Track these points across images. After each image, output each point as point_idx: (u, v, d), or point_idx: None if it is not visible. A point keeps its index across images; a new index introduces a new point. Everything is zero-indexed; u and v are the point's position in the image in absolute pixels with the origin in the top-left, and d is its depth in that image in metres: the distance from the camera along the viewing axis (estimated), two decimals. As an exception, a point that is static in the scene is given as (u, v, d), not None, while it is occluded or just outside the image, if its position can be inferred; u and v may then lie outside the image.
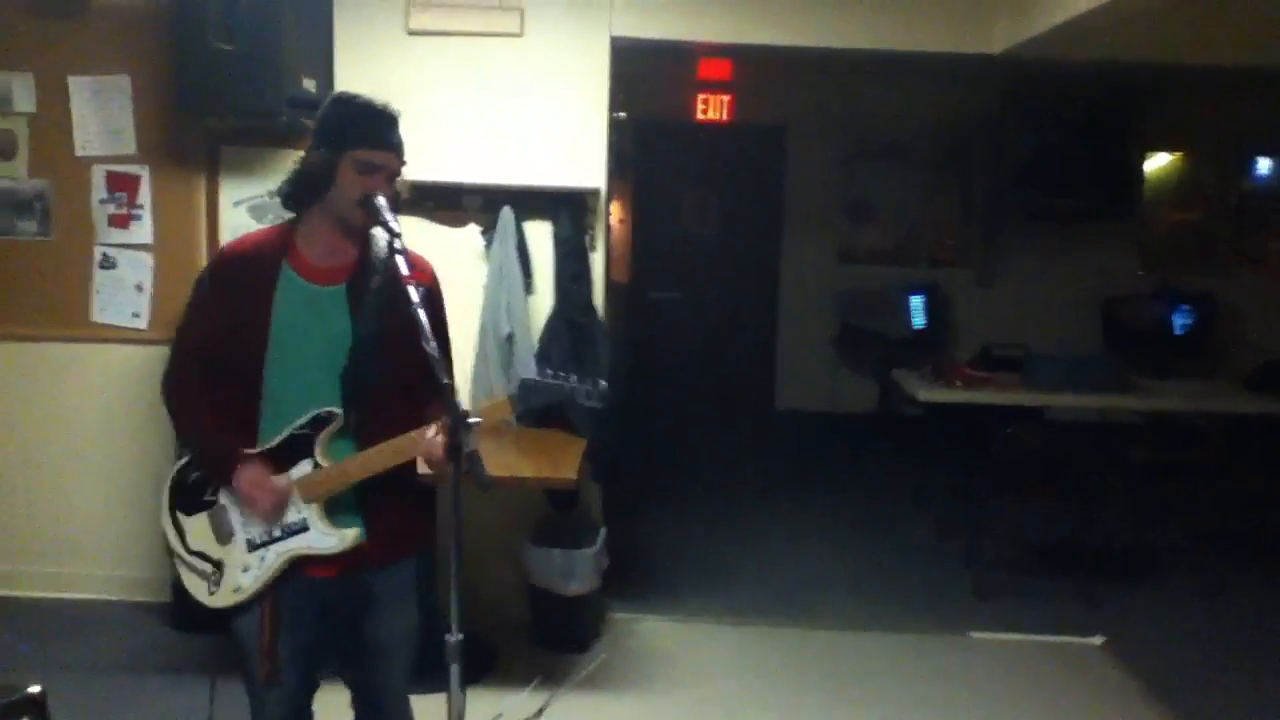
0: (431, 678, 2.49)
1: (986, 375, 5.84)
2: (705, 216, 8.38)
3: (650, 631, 4.61)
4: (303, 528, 2.36)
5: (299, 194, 2.42)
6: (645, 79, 6.05)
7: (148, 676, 4.00)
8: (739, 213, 8.34)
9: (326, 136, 2.38)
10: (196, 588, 2.45)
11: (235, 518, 2.41)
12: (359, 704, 2.66)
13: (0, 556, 4.56)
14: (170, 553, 2.48)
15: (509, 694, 3.88)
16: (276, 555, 2.37)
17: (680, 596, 5.00)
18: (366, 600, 2.47)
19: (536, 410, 4.07)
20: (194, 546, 2.44)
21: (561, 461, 3.96)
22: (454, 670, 2.11)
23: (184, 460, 2.49)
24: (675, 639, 4.56)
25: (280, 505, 2.37)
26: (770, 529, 6.06)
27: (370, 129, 2.36)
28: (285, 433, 2.36)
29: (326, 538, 2.35)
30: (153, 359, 4.56)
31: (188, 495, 2.46)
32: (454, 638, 2.11)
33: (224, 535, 2.41)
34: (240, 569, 2.38)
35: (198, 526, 2.44)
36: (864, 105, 7.96)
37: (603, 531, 4.52)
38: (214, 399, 2.42)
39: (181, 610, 4.40)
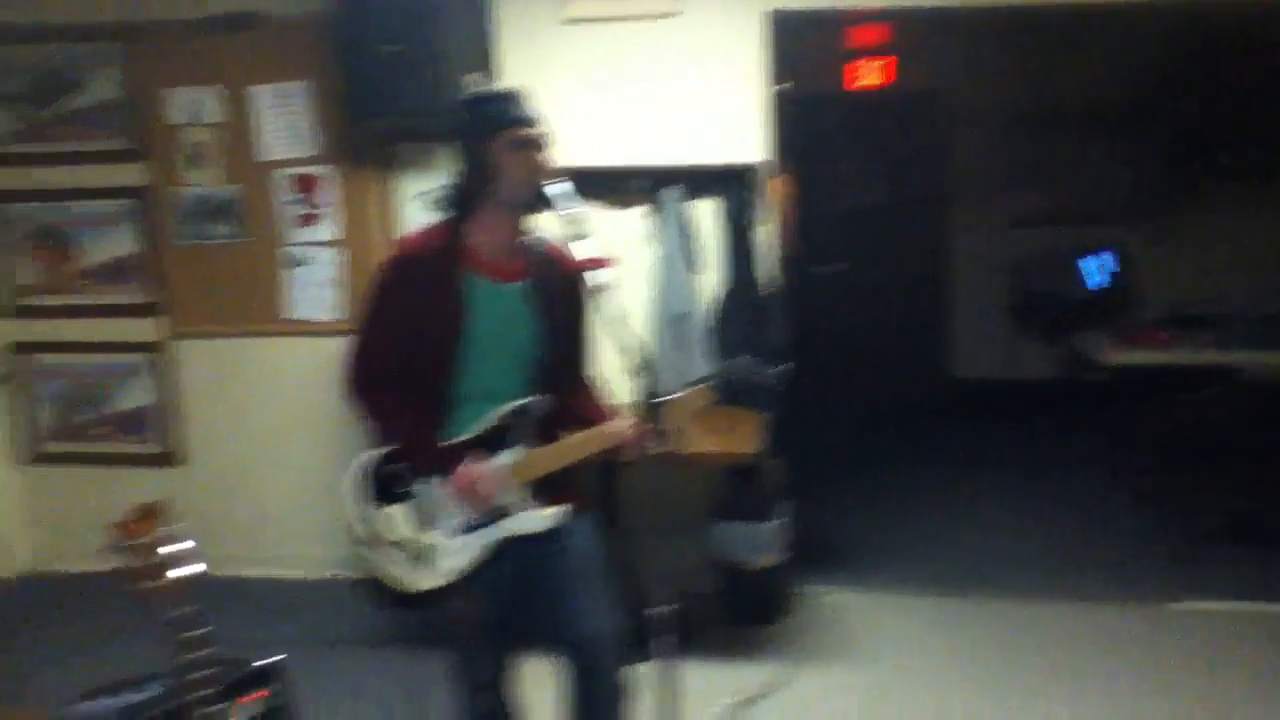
0: (632, 651, 2.55)
1: (1175, 335, 5.56)
2: (870, 187, 8.21)
3: (839, 604, 4.59)
4: (510, 511, 2.44)
5: (466, 192, 2.49)
6: (802, 50, 5.97)
7: (367, 648, 4.20)
8: (904, 181, 8.14)
9: (472, 134, 2.48)
10: (400, 573, 2.53)
11: (438, 505, 2.48)
12: (570, 673, 2.70)
13: (224, 539, 4.82)
14: (359, 543, 2.56)
15: (704, 666, 3.91)
16: (487, 537, 2.46)
17: (867, 569, 4.95)
18: (556, 559, 2.55)
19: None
20: (393, 536, 2.52)
21: (742, 436, 3.96)
22: (658, 641, 2.14)
23: (374, 454, 2.56)
24: (865, 611, 4.52)
25: (492, 495, 2.45)
26: (956, 500, 5.93)
27: (507, 109, 2.46)
28: (488, 423, 2.45)
29: (535, 519, 2.44)
30: (343, 349, 4.77)
31: (384, 487, 2.55)
32: (656, 610, 2.14)
33: (428, 521, 2.49)
34: (448, 552, 2.48)
35: (397, 517, 2.52)
36: (1031, 65, 7.65)
37: (786, 504, 4.51)
38: (402, 393, 2.51)
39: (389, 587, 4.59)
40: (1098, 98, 7.74)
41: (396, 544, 2.52)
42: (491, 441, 2.46)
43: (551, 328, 2.43)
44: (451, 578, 2.48)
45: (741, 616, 4.37)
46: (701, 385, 2.39)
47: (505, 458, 2.45)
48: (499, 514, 2.46)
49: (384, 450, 2.56)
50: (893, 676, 3.96)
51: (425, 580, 2.51)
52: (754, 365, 2.34)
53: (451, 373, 2.47)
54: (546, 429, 2.46)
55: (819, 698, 3.82)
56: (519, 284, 2.48)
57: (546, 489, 2.49)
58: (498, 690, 2.71)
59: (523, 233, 2.47)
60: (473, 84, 4.25)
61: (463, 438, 2.47)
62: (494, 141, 2.42)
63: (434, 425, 2.50)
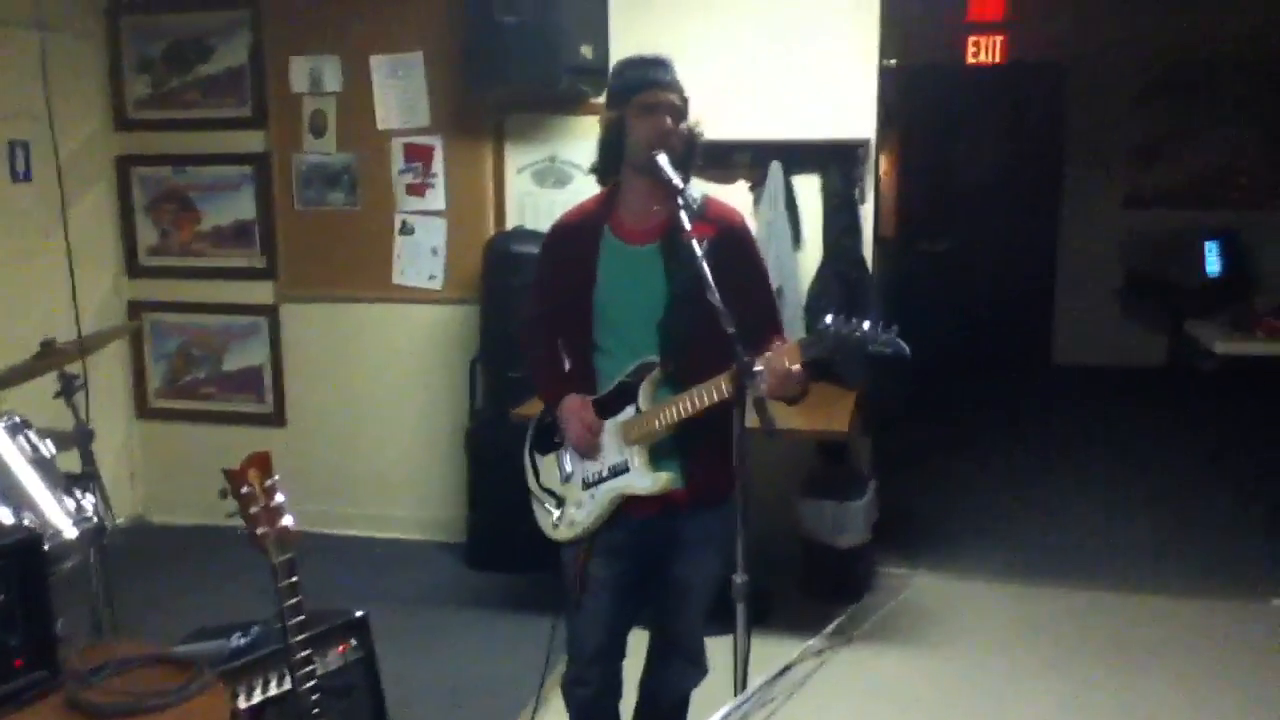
0: (717, 621, 2.61)
1: (1296, 325, 5.37)
2: (978, 163, 8.07)
3: (923, 587, 4.57)
4: (625, 469, 2.52)
5: (605, 161, 2.59)
6: (913, 23, 5.88)
7: (451, 609, 4.35)
8: (1014, 158, 7.99)
9: (612, 99, 2.57)
10: (544, 521, 2.68)
11: (574, 460, 2.61)
12: (657, 641, 2.82)
13: (321, 498, 5.03)
14: (525, 491, 2.73)
15: (785, 640, 3.95)
16: (605, 493, 2.54)
17: (954, 554, 4.91)
18: (678, 541, 2.61)
19: (817, 361, 4.08)
20: (544, 484, 2.68)
21: (833, 414, 3.97)
22: (740, 609, 2.18)
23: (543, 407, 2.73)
24: (949, 596, 4.50)
25: (590, 437, 2.53)
26: (1049, 487, 5.83)
27: (639, 74, 2.51)
28: (614, 382, 2.54)
29: (643, 478, 2.50)
30: (447, 317, 4.92)
31: (543, 437, 2.70)
32: (740, 578, 2.18)
33: (566, 475, 2.62)
34: (575, 505, 2.59)
35: (548, 465, 2.68)
36: (1155, 34, 7.40)
37: (872, 484, 4.51)
38: (558, 357, 2.68)
39: (478, 550, 4.75)
40: (1228, 71, 7.43)
41: (548, 491, 2.67)
42: (618, 401, 2.54)
43: (685, 288, 2.43)
44: (576, 532, 2.59)
45: (822, 593, 4.39)
46: (789, 344, 2.35)
47: (622, 416, 2.52)
48: (616, 472, 2.53)
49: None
50: (975, 664, 3.94)
51: (561, 531, 2.63)
52: (860, 331, 2.20)
53: (590, 334, 2.59)
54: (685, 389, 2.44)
55: (895, 680, 3.83)
56: (652, 245, 2.54)
57: (688, 458, 2.54)
58: (611, 661, 2.78)
59: (664, 196, 2.48)
60: (585, 55, 4.31)
61: (596, 396, 2.57)
62: (626, 108, 2.49)
63: (578, 384, 2.61)
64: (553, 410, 2.64)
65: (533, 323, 2.75)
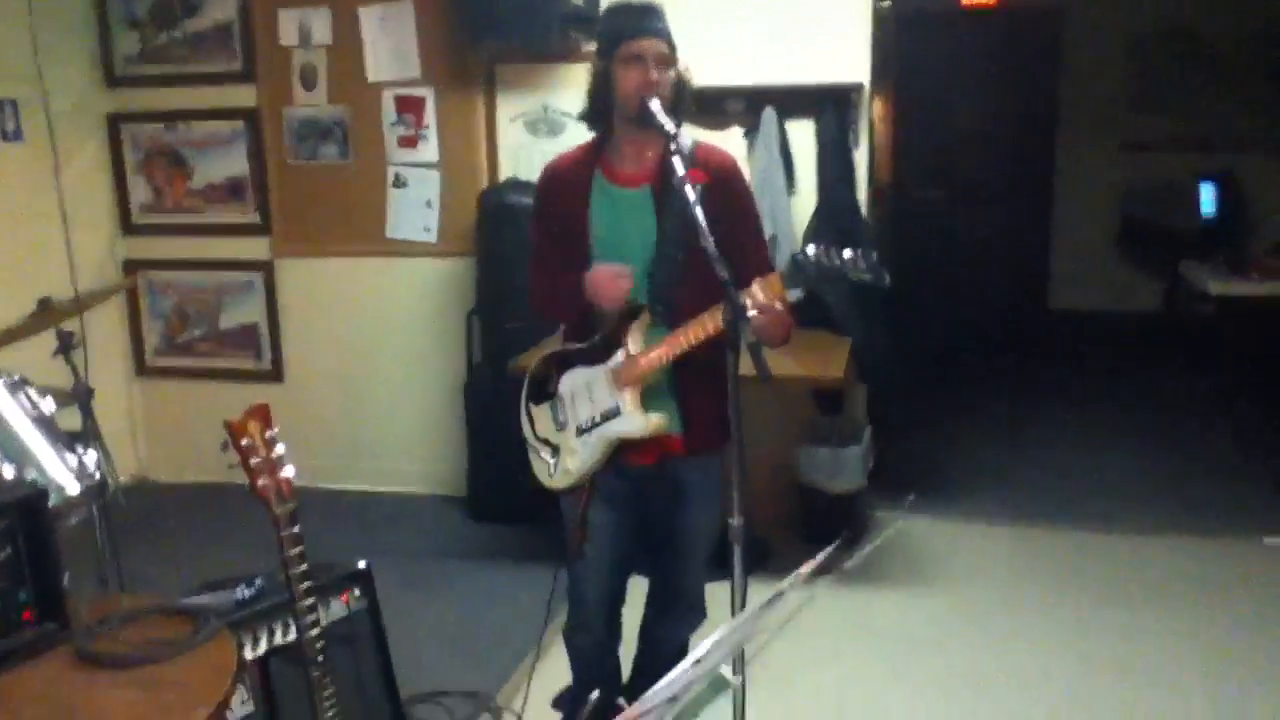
0: (715, 567, 2.64)
1: (1291, 265, 5.38)
2: (974, 109, 8.03)
3: (921, 531, 4.62)
4: (616, 412, 2.52)
5: (593, 109, 2.58)
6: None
7: (452, 560, 4.39)
8: (1010, 104, 7.94)
9: (600, 47, 2.55)
10: (541, 471, 2.68)
11: (568, 407, 2.60)
12: (657, 589, 2.86)
13: (320, 453, 5.06)
14: (521, 444, 2.73)
15: (776, 586, 4.00)
16: (598, 439, 2.55)
17: (952, 498, 4.96)
18: (677, 489, 2.64)
19: (813, 299, 4.06)
20: (540, 434, 2.68)
21: (829, 361, 4.00)
22: (736, 551, 2.21)
23: (544, 356, 2.71)
24: (947, 539, 4.55)
25: (622, 281, 2.48)
26: (1046, 432, 5.87)
27: (626, 22, 2.49)
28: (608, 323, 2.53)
29: (634, 421, 2.51)
30: (442, 271, 4.91)
31: (539, 387, 2.70)
32: (736, 521, 2.21)
33: (560, 424, 2.62)
34: (570, 453, 2.59)
35: (543, 415, 2.67)
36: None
37: (868, 430, 4.54)
38: (557, 295, 2.66)
39: (478, 502, 4.78)
40: (1227, 16, 7.38)
41: (544, 441, 2.67)
42: (607, 346, 2.54)
43: (674, 232, 2.45)
44: (572, 479, 2.60)
45: (820, 538, 4.41)
46: (771, 276, 2.32)
47: (613, 360, 2.52)
48: (607, 416, 2.54)
49: (547, 354, 2.71)
50: (968, 602, 4.00)
51: (557, 479, 2.63)
52: (840, 259, 2.20)
53: (588, 269, 2.57)
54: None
55: (894, 621, 3.89)
56: (645, 187, 2.54)
57: (683, 403, 2.56)
58: (612, 608, 2.83)
59: (654, 141, 2.50)
60: (577, 2, 4.27)
61: (584, 344, 2.58)
62: (614, 57, 2.48)
63: (580, 330, 2.62)
64: (582, 302, 2.55)
65: (542, 265, 2.73)
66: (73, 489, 2.64)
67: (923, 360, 6.67)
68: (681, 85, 2.52)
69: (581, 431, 2.58)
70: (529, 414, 2.72)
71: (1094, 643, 3.69)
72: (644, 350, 2.48)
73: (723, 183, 2.55)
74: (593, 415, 2.56)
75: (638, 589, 2.92)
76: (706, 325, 2.33)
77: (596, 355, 2.56)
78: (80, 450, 2.74)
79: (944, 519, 4.73)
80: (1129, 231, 7.61)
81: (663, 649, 2.89)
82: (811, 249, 2.25)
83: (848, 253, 2.22)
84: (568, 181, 2.63)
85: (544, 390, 2.68)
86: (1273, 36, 7.31)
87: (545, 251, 2.71)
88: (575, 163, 2.66)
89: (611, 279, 2.49)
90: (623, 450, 2.56)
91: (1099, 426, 5.93)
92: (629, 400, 2.51)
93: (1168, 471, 5.23)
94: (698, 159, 2.48)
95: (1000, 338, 7.64)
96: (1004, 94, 7.99)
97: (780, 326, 2.40)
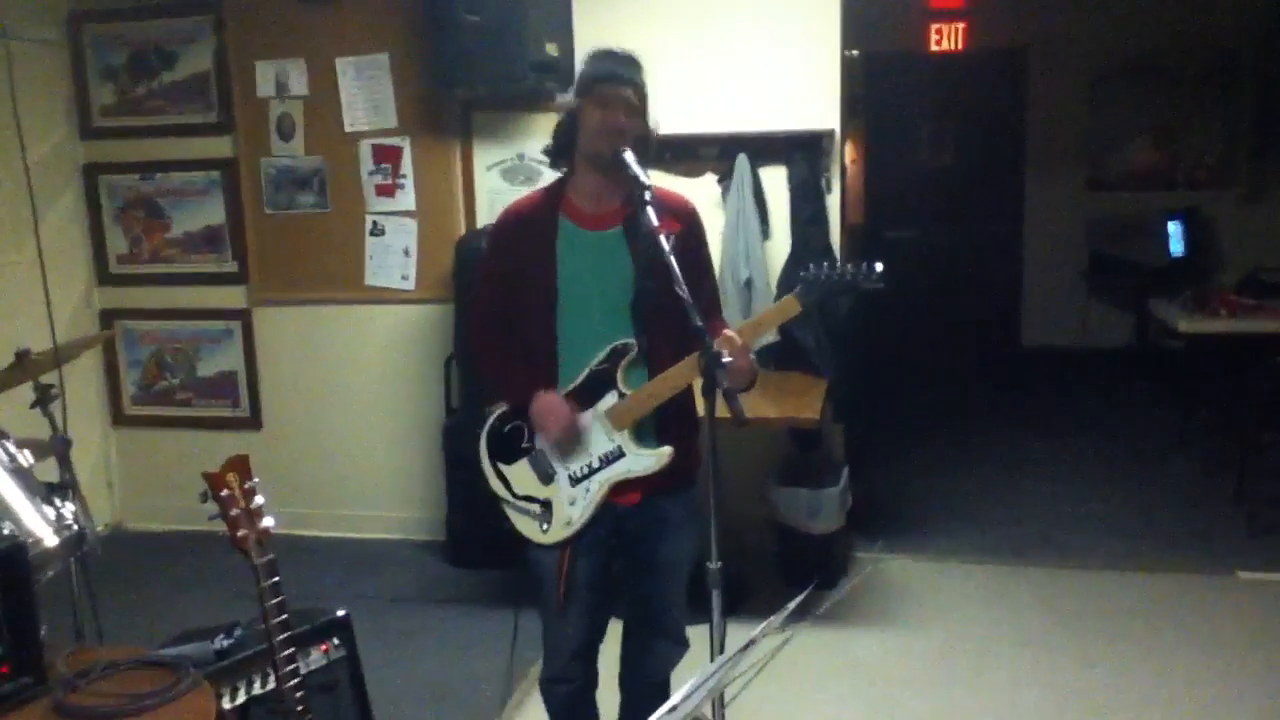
0: (694, 608, 2.65)
1: (1255, 303, 5.47)
2: (942, 150, 8.16)
3: (898, 570, 4.64)
4: (619, 454, 2.52)
5: (558, 147, 2.61)
6: (874, 12, 5.94)
7: (432, 606, 4.38)
8: (978, 144, 8.08)
9: (577, 87, 2.59)
10: (529, 529, 2.62)
11: (555, 458, 2.57)
12: (637, 626, 2.84)
13: (299, 500, 5.06)
14: (496, 499, 2.66)
15: (754, 628, 4.01)
16: (599, 484, 2.54)
17: (929, 537, 4.99)
18: (660, 525, 2.63)
19: (780, 349, 4.13)
20: (520, 492, 2.62)
21: (804, 402, 4.04)
22: (715, 596, 2.23)
23: (497, 412, 2.67)
24: (924, 578, 4.57)
25: (572, 432, 2.52)
26: (1021, 469, 5.92)
27: (598, 68, 2.54)
28: (586, 370, 2.53)
29: (642, 459, 2.51)
30: (420, 317, 4.94)
31: (504, 445, 2.65)
32: (714, 565, 2.23)
33: (546, 477, 2.59)
34: (568, 503, 2.57)
35: (520, 473, 2.62)
36: (1113, 21, 7.50)
37: (845, 471, 4.57)
38: (516, 352, 2.63)
39: (458, 547, 4.78)
40: (1184, 56, 7.54)
41: (526, 499, 2.62)
42: (594, 389, 2.54)
43: (652, 268, 2.45)
44: (574, 529, 2.57)
45: (799, 579, 4.44)
46: (787, 298, 2.40)
47: (603, 403, 2.53)
48: (609, 459, 2.54)
49: (503, 409, 2.66)
50: (947, 641, 4.01)
51: (554, 533, 2.59)
52: (847, 274, 2.32)
53: (553, 322, 2.57)
54: (662, 368, 2.48)
55: (872, 661, 3.90)
56: (614, 230, 2.56)
57: (665, 437, 2.55)
58: (591, 656, 2.80)
59: (619, 182, 2.52)
60: (550, 52, 4.34)
61: (570, 387, 2.56)
62: (585, 99, 2.52)
63: (542, 377, 2.59)
64: (522, 413, 2.58)
65: (487, 323, 2.69)
66: (50, 541, 2.63)
67: (896, 399, 6.73)
68: (648, 136, 2.56)
69: (577, 481, 2.56)
70: (499, 474, 2.66)
71: (1069, 677, 3.71)
72: (639, 391, 2.49)
73: (690, 230, 2.61)
74: (588, 461, 2.54)
75: (613, 626, 2.91)
76: (687, 374, 2.38)
77: (581, 398, 2.55)
78: (58, 502, 2.73)
79: (920, 558, 4.75)
80: (1097, 268, 7.72)
81: (647, 689, 2.85)
82: (813, 266, 2.34)
83: (850, 267, 2.32)
84: (530, 225, 2.60)
85: (512, 447, 2.63)
86: (1236, 73, 7.47)
87: (498, 301, 2.66)
88: (536, 206, 2.64)
89: (564, 425, 2.50)
90: (611, 492, 2.55)
91: (1071, 463, 5.98)
92: (630, 440, 2.51)
93: (1139, 507, 5.28)
94: (665, 208, 2.52)
95: (973, 375, 7.72)
96: (972, 134, 8.12)
97: (749, 374, 2.43)
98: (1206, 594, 4.33)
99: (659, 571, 2.71)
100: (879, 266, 2.30)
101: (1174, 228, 7.12)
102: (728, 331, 2.33)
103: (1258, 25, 7.25)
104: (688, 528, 2.65)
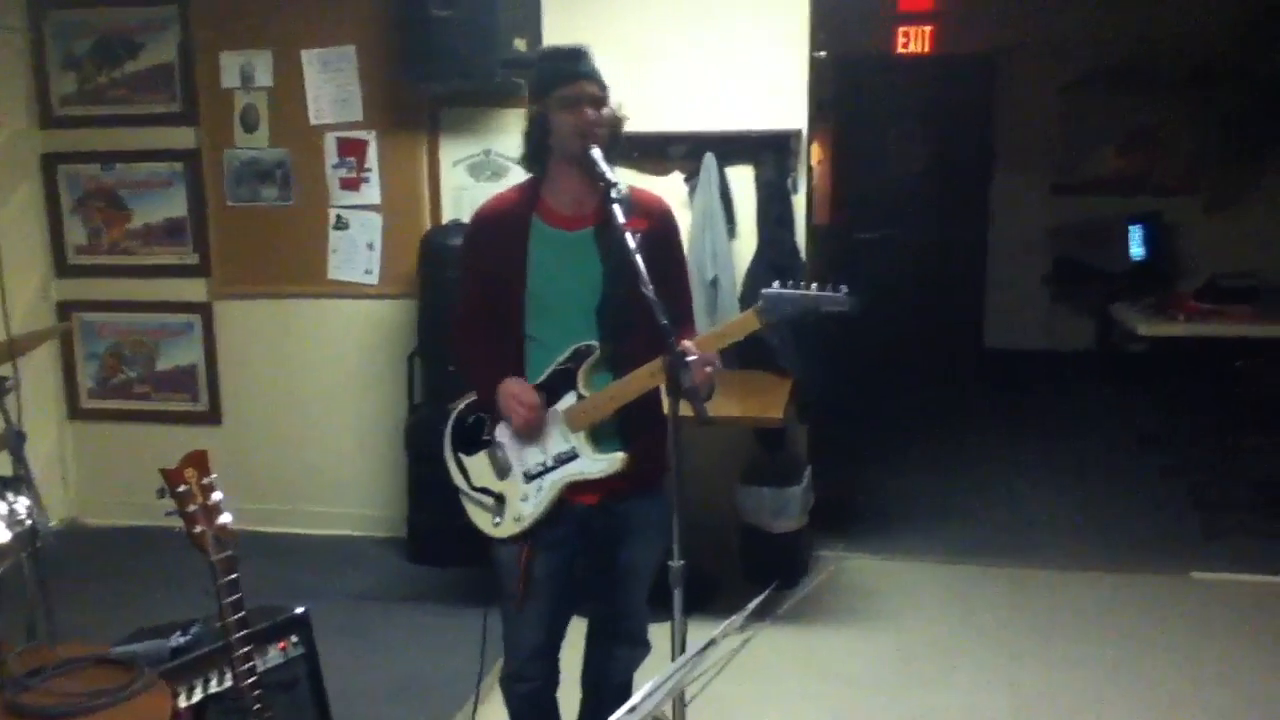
0: (656, 606, 2.65)
1: (1214, 308, 5.53)
2: (910, 153, 8.20)
3: (860, 569, 4.67)
4: (573, 455, 2.52)
5: (531, 153, 2.59)
6: (843, 14, 5.97)
7: (393, 604, 4.35)
8: (945, 148, 8.12)
9: (535, 92, 2.57)
10: (482, 520, 2.64)
11: (512, 453, 2.58)
12: (600, 628, 2.84)
13: (259, 496, 5.01)
14: (458, 490, 2.68)
15: (717, 627, 4.02)
16: (551, 484, 2.54)
17: (890, 536, 5.02)
18: (622, 528, 2.63)
19: (746, 348, 4.11)
20: (476, 484, 2.64)
21: (768, 402, 4.05)
22: (676, 594, 2.22)
23: (462, 404, 2.68)
24: (885, 577, 4.60)
25: (534, 418, 2.51)
26: (983, 470, 5.97)
27: (559, 67, 2.52)
28: (549, 369, 2.53)
29: (596, 462, 2.51)
30: (384, 312, 4.91)
31: (467, 436, 2.66)
32: (676, 564, 2.22)
33: (503, 471, 2.60)
34: (520, 499, 2.57)
35: (478, 465, 2.64)
36: (1079, 28, 7.57)
37: (808, 470, 4.59)
38: (493, 348, 2.62)
39: (418, 544, 4.75)
40: (1157, 60, 7.59)
41: (482, 491, 2.63)
42: (555, 388, 2.54)
43: (620, 272, 2.43)
44: (523, 526, 2.57)
45: (761, 578, 4.45)
46: (747, 313, 2.36)
47: (562, 403, 2.52)
48: (562, 460, 2.54)
49: (470, 400, 2.68)
50: (906, 641, 4.04)
51: (504, 528, 2.60)
52: (812, 292, 2.26)
53: (523, 322, 2.57)
54: (626, 372, 2.47)
55: (835, 660, 3.91)
56: (585, 230, 2.56)
57: (628, 441, 2.55)
58: (551, 654, 2.79)
59: (595, 184, 2.49)
60: (519, 48, 4.32)
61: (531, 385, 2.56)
62: (549, 101, 2.50)
63: (511, 374, 2.58)
64: (490, 399, 2.59)
65: (468, 319, 2.71)
66: (2, 536, 2.59)
67: (861, 398, 6.76)
68: (616, 125, 2.55)
69: (531, 477, 2.56)
70: (460, 466, 2.67)
71: (1030, 676, 3.75)
72: (600, 393, 2.48)
73: (659, 228, 2.59)
74: (543, 460, 2.55)
75: (575, 627, 2.91)
76: (650, 377, 2.37)
77: (543, 396, 2.54)
78: (11, 497, 2.69)
79: (881, 557, 4.78)
80: (1060, 272, 7.79)
81: (608, 690, 2.85)
82: (777, 284, 2.29)
83: (815, 286, 2.27)
84: (503, 225, 2.61)
85: (473, 439, 2.65)
86: (1206, 81, 7.55)
87: (476, 302, 2.67)
88: (510, 205, 2.65)
89: (527, 409, 2.50)
90: (568, 492, 2.55)
91: (1032, 464, 6.04)
92: (585, 443, 2.51)
93: (1099, 508, 5.34)
94: (636, 205, 2.52)
95: (937, 376, 7.77)
96: (939, 137, 8.17)
97: (706, 386, 2.40)
98: (1163, 594, 4.39)
99: (620, 576, 2.70)
100: (844, 289, 2.27)
101: (1135, 233, 7.19)
102: (686, 343, 2.32)
103: (1229, 34, 7.33)
104: (653, 534, 2.64)
